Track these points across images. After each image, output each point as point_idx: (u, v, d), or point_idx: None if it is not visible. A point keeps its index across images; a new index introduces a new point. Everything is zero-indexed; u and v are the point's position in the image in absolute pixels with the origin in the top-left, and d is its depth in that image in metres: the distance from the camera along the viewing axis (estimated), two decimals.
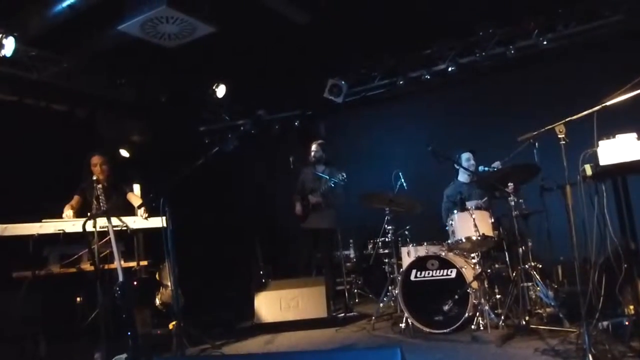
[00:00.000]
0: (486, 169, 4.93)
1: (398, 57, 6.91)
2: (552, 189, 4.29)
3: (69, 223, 4.42)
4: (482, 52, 6.39)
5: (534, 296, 4.37)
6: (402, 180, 5.49)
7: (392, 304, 5.27)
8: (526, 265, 4.33)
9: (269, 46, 6.19)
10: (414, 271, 4.56)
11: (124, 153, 6.88)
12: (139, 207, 4.76)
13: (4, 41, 4.82)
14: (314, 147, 6.28)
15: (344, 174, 5.78)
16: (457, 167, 5.42)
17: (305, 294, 5.22)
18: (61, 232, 4.23)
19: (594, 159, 3.14)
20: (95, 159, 5.04)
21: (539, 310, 4.33)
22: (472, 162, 5.36)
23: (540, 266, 4.53)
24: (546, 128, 3.28)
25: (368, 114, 7.70)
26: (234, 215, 7.95)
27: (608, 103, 3.11)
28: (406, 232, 5.48)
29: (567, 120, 3.18)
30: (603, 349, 3.10)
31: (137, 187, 5.36)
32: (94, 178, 4.73)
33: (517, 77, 6.63)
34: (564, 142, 3.16)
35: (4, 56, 4.89)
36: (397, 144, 7.30)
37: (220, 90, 6.95)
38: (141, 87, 6.76)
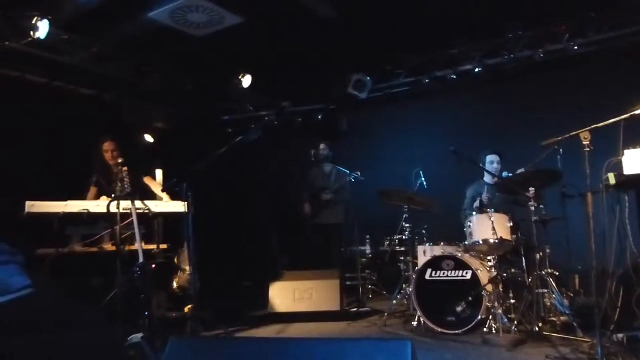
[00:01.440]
0: (510, 175, 4.87)
1: (424, 56, 6.87)
2: (574, 196, 4.24)
3: (93, 203, 4.53)
4: (510, 54, 6.31)
5: (548, 303, 4.33)
6: (423, 179, 5.48)
7: (405, 302, 5.27)
8: (543, 272, 4.29)
9: (295, 39, 6.21)
10: (429, 270, 4.56)
11: (149, 138, 6.99)
12: (163, 191, 4.85)
13: (39, 24, 4.93)
14: (322, 146, 6.53)
15: (358, 173, 6.07)
16: (482, 169, 5.32)
17: (320, 287, 5.27)
18: (86, 211, 4.33)
19: (618, 168, 3.11)
20: (107, 145, 5.04)
21: (553, 318, 4.29)
22: (496, 165, 5.21)
23: (557, 274, 4.48)
24: (571, 134, 3.25)
25: (391, 112, 7.68)
26: (251, 205, 8.02)
27: (637, 112, 3.07)
28: (423, 231, 5.47)
29: (593, 127, 3.15)
30: None
31: (159, 173, 5.45)
32: (120, 161, 4.81)
33: (544, 81, 6.53)
34: (588, 150, 3.13)
35: (38, 38, 5.00)
36: (419, 142, 7.27)
37: (246, 81, 6.99)
38: (167, 75, 6.85)
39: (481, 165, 5.23)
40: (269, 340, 1.82)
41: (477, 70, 6.57)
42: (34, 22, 4.95)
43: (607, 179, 3.12)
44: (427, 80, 6.96)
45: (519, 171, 4.81)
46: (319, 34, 6.01)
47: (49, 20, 5.00)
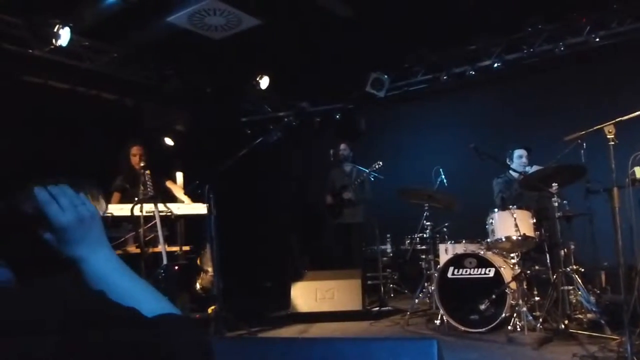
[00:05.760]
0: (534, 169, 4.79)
1: (442, 52, 6.81)
2: (598, 191, 4.16)
3: (117, 207, 4.60)
4: (530, 49, 6.22)
5: (574, 301, 4.25)
6: (443, 176, 5.43)
7: (427, 301, 5.24)
8: (567, 269, 4.22)
9: (312, 39, 6.22)
10: (451, 268, 4.52)
11: (169, 141, 7.06)
12: (185, 194, 4.91)
13: (61, 31, 5.03)
14: (342, 146, 6.53)
15: (380, 163, 6.05)
16: (504, 165, 5.22)
17: (341, 286, 5.26)
18: (110, 215, 4.40)
19: None
20: (135, 150, 5.11)
21: (579, 316, 4.21)
22: (525, 160, 5.08)
23: (583, 270, 4.41)
24: (595, 128, 3.19)
25: (409, 109, 7.64)
26: (271, 205, 8.06)
27: None
28: (444, 229, 5.43)
29: (617, 120, 3.09)
30: None
31: (179, 175, 5.51)
32: (142, 164, 4.88)
33: (565, 75, 6.42)
34: (612, 143, 3.07)
35: (60, 45, 5.10)
36: (438, 140, 7.22)
37: (264, 82, 7.03)
38: (187, 78, 6.92)
39: (507, 159, 5.15)
40: (295, 340, 1.83)
41: (496, 65, 6.50)
42: (55, 29, 5.05)
43: (633, 173, 3.06)
44: (445, 77, 6.91)
45: (531, 170, 4.71)
46: (336, 33, 6.01)
47: (70, 27, 5.10)
